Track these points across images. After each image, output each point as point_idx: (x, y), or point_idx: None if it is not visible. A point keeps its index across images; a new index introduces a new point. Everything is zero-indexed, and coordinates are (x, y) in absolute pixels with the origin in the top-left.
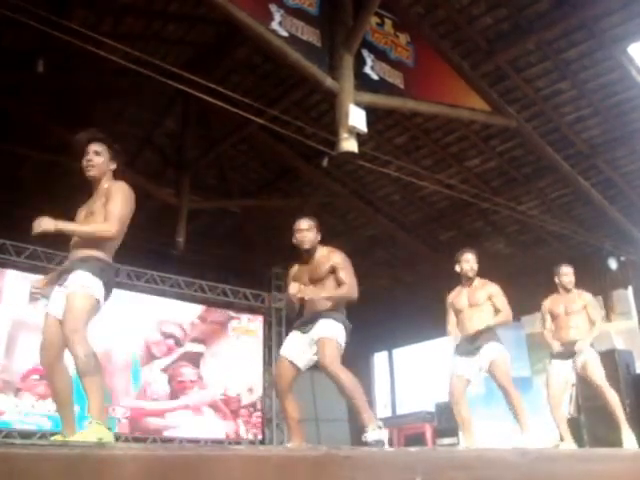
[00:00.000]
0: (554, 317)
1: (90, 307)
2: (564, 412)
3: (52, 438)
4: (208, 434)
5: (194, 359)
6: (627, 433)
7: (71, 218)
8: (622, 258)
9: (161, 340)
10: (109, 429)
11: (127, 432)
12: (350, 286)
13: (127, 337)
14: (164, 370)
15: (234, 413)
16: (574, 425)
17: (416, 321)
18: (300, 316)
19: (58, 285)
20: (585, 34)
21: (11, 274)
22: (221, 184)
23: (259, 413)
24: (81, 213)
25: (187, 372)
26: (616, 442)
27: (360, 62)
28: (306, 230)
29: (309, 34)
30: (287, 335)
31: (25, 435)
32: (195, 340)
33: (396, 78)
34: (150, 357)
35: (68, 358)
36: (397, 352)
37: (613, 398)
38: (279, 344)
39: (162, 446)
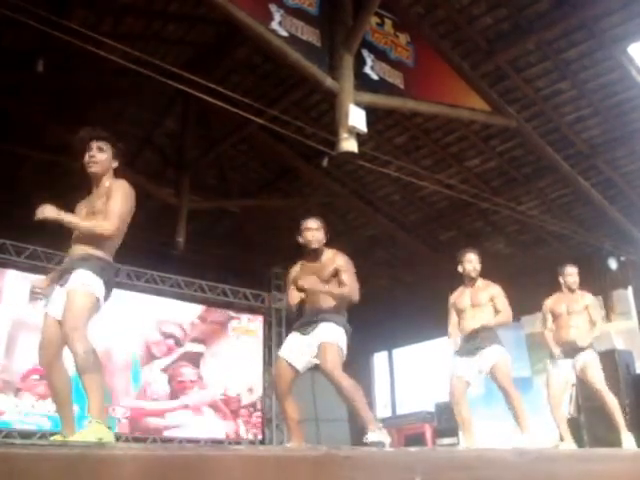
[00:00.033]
0: (555, 316)
1: (90, 305)
2: (564, 412)
3: (51, 438)
4: (208, 434)
5: (194, 359)
6: (626, 437)
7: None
8: (622, 258)
9: (161, 340)
10: (109, 428)
11: (127, 432)
12: (351, 288)
13: (127, 337)
14: (164, 370)
15: (234, 413)
16: (574, 425)
17: (416, 321)
18: (300, 317)
19: (59, 285)
20: (585, 34)
21: (11, 274)
22: (221, 184)
23: (259, 413)
24: (82, 210)
25: (187, 372)
26: (616, 442)
27: (360, 62)
28: (315, 229)
29: (309, 34)
30: (287, 335)
31: (25, 435)
32: (195, 340)
33: (396, 78)
34: (150, 357)
35: (67, 358)
36: (397, 352)
37: (612, 402)
38: (279, 344)
39: (162, 446)
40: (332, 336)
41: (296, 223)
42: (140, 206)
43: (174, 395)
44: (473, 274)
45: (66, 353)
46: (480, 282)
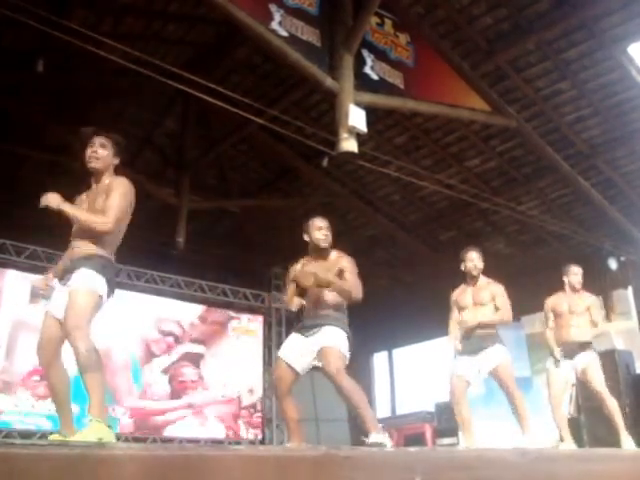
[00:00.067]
0: (556, 315)
1: (93, 304)
2: (564, 412)
3: (50, 437)
4: (208, 434)
5: (194, 360)
6: (626, 439)
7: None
8: (622, 258)
9: (160, 338)
10: (109, 427)
11: (127, 432)
12: (355, 286)
13: (126, 336)
14: (165, 370)
15: (235, 414)
16: (574, 425)
17: (416, 321)
18: (300, 319)
19: (61, 284)
20: (585, 34)
21: (11, 275)
22: (221, 184)
23: (259, 414)
24: (81, 205)
25: (188, 372)
26: (616, 442)
27: (360, 62)
28: (325, 228)
29: (309, 34)
30: (287, 335)
31: (25, 435)
32: (195, 341)
33: (396, 78)
34: (150, 355)
35: (67, 357)
36: (397, 352)
37: (612, 404)
38: (279, 344)
39: (162, 446)
40: (335, 339)
41: (296, 223)
42: (140, 206)
43: (175, 395)
44: (474, 272)
45: (66, 352)
46: (483, 281)
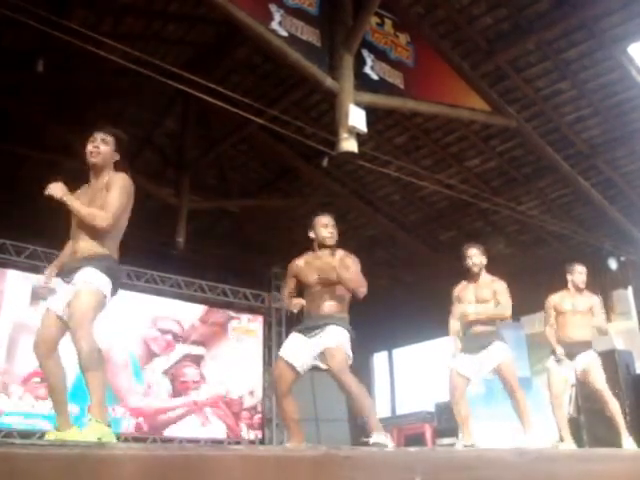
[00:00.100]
0: (558, 314)
1: (96, 303)
2: (565, 412)
3: (46, 435)
4: (208, 434)
5: (195, 361)
6: (627, 439)
7: (70, 217)
8: (622, 258)
9: (159, 336)
10: (109, 426)
11: (127, 432)
12: (361, 281)
13: (126, 336)
14: (166, 371)
15: (236, 415)
16: (574, 425)
17: (416, 321)
18: (300, 319)
19: (65, 283)
20: (585, 34)
21: (12, 277)
22: (221, 184)
23: (260, 415)
24: (82, 199)
25: (189, 373)
26: (616, 442)
27: (360, 62)
28: (332, 226)
29: (309, 34)
30: (287, 335)
31: (25, 435)
32: (195, 342)
33: (396, 78)
34: (150, 355)
35: (67, 356)
36: (397, 352)
37: (614, 405)
38: (279, 344)
39: (162, 446)
40: (339, 339)
41: (296, 223)
42: (140, 206)
43: (176, 396)
44: (475, 269)
45: (66, 352)
46: (486, 278)
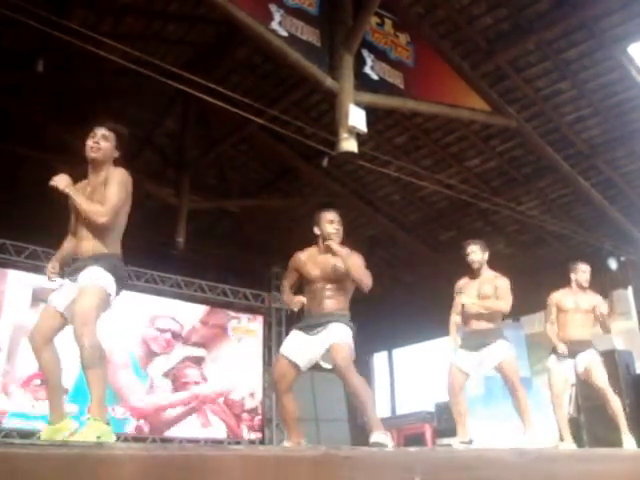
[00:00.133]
0: (560, 311)
1: (101, 301)
2: (565, 412)
3: (42, 432)
4: (208, 435)
5: (196, 363)
6: (627, 438)
7: (70, 212)
8: (622, 258)
9: (158, 335)
10: (107, 424)
11: (127, 432)
12: (367, 274)
13: (126, 336)
14: (166, 372)
15: (237, 417)
16: (574, 425)
17: (416, 321)
18: (301, 317)
19: (70, 280)
20: (585, 34)
21: (12, 279)
22: (221, 184)
23: (261, 417)
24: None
25: (189, 374)
26: (616, 442)
27: (360, 62)
28: (337, 222)
29: (309, 34)
30: (287, 335)
31: (25, 435)
32: (196, 344)
33: (396, 78)
34: (150, 354)
35: (66, 356)
36: (397, 352)
37: (615, 403)
38: (279, 344)
39: (161, 446)
40: (343, 336)
41: (296, 223)
42: (140, 206)
43: (176, 397)
44: (475, 265)
45: (68, 350)
46: (489, 274)
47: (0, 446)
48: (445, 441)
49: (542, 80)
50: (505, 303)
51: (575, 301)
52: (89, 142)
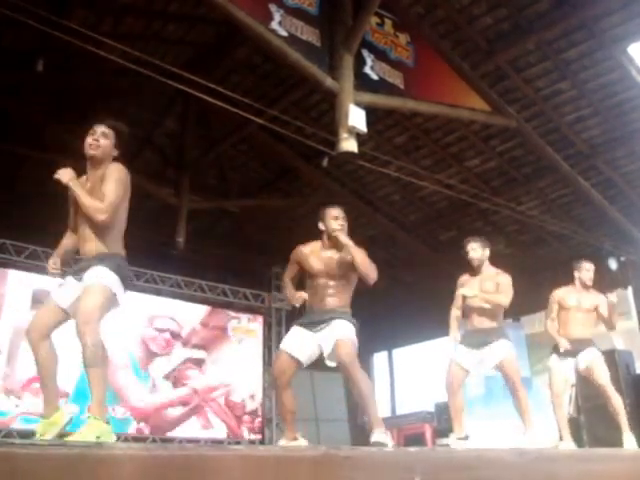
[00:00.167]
0: (562, 309)
1: (105, 300)
2: (565, 412)
3: (37, 430)
4: (209, 436)
5: (197, 364)
6: (628, 436)
7: (69, 209)
8: (622, 258)
9: (157, 335)
10: (107, 423)
11: (127, 432)
12: (372, 267)
13: (125, 336)
14: (167, 374)
15: (238, 419)
16: (574, 425)
17: (416, 321)
18: (302, 313)
19: (74, 279)
20: (585, 34)
21: (13, 281)
22: (221, 184)
23: (261, 418)
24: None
25: (190, 375)
26: (616, 442)
27: (360, 62)
28: (342, 218)
29: (309, 34)
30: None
31: (25, 435)
32: (196, 346)
33: (396, 78)
34: (150, 355)
35: (67, 356)
36: (397, 352)
37: (617, 401)
38: (279, 344)
39: (161, 446)
40: (347, 332)
41: (296, 223)
42: (140, 206)
43: (176, 398)
44: (475, 263)
45: (65, 351)
46: (491, 271)
47: (0, 446)
48: (446, 441)
49: (542, 80)
50: (505, 297)
51: (578, 299)
52: (88, 139)
